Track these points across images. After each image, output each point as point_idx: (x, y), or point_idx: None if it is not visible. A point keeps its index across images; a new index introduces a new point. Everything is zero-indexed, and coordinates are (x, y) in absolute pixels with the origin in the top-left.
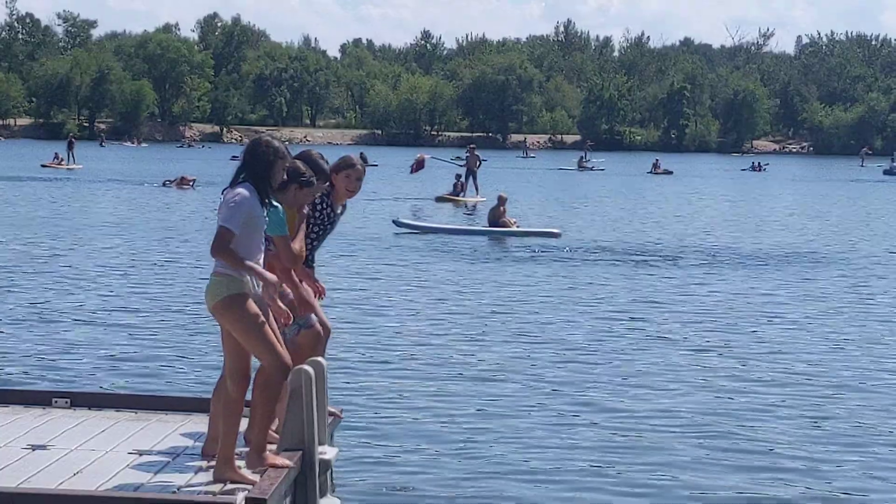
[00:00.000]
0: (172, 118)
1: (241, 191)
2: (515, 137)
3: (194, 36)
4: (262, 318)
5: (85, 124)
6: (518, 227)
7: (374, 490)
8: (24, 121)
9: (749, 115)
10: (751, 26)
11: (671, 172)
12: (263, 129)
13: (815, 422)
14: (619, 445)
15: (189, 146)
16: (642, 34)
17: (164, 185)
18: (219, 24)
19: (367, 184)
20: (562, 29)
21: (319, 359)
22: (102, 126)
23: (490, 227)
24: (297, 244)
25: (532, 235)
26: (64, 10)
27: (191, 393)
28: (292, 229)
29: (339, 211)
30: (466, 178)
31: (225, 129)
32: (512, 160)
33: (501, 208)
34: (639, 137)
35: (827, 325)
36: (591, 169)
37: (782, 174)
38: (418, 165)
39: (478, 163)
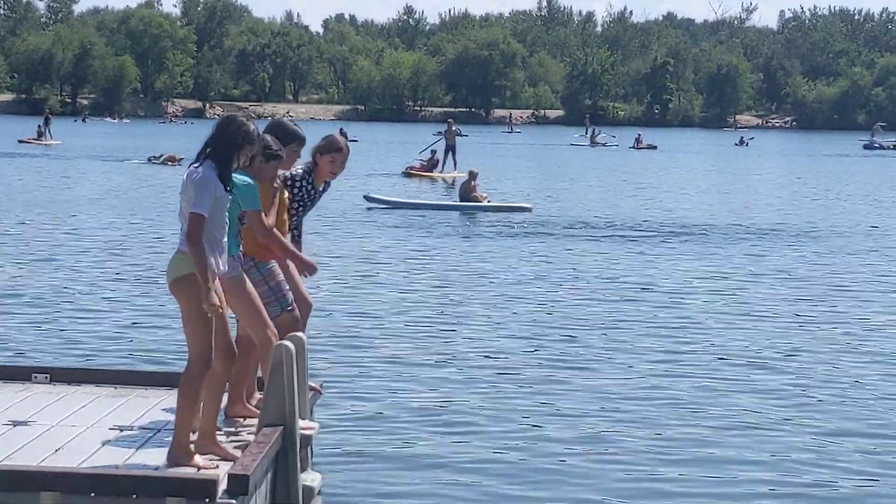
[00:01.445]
0: (155, 94)
1: (204, 171)
2: (499, 113)
3: (176, 11)
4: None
5: (67, 100)
6: (489, 201)
7: (355, 465)
8: (5, 97)
9: (732, 90)
10: (734, 0)
11: (655, 147)
12: (246, 104)
13: (802, 407)
14: (595, 416)
15: (171, 122)
16: (625, 8)
17: (149, 160)
18: (201, 0)
19: None
20: (545, 3)
21: (300, 334)
22: (85, 102)
23: (461, 202)
24: (271, 218)
25: (503, 210)
26: None
27: (171, 367)
28: (265, 204)
29: (320, 188)
30: (445, 154)
31: (207, 105)
32: (497, 136)
33: (472, 183)
34: (622, 112)
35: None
36: (605, 145)
37: (766, 149)
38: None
39: (456, 136)
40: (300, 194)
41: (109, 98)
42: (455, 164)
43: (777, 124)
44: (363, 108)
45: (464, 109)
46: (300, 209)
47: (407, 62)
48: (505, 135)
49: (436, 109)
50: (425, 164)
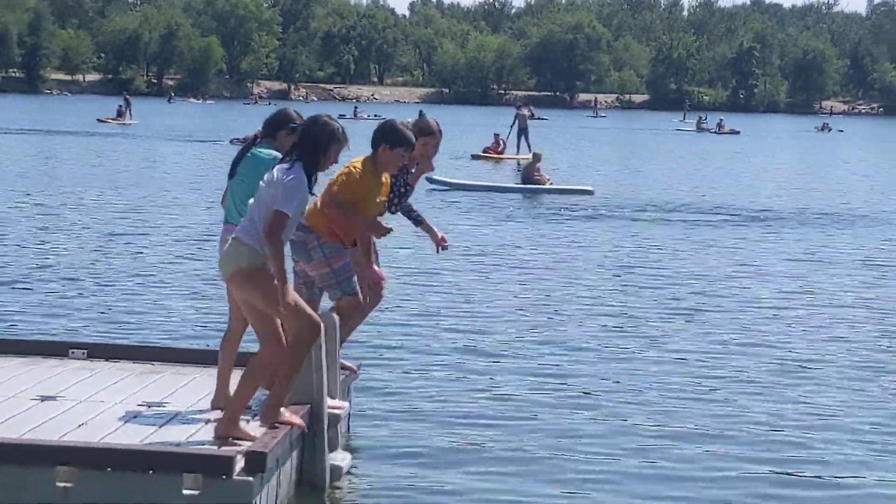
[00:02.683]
0: (240, 75)
1: (297, 173)
2: (583, 97)
3: None
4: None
5: (153, 80)
6: (551, 184)
7: (391, 446)
8: (92, 76)
9: (818, 76)
10: None
11: (738, 132)
12: (331, 86)
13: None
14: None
15: (256, 103)
16: None
17: (231, 142)
18: None
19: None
20: None
21: (332, 313)
22: (171, 82)
23: (523, 184)
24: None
25: (565, 193)
26: None
27: (209, 345)
28: None
29: (390, 180)
30: (519, 137)
31: (293, 86)
32: (582, 119)
33: (536, 165)
34: (707, 97)
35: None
36: (710, 131)
37: (851, 134)
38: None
39: (528, 119)
40: (396, 185)
41: (195, 79)
42: (529, 146)
43: (864, 110)
44: (448, 90)
45: (548, 93)
46: (398, 198)
47: (492, 45)
48: (590, 119)
49: (520, 93)
50: (490, 147)
